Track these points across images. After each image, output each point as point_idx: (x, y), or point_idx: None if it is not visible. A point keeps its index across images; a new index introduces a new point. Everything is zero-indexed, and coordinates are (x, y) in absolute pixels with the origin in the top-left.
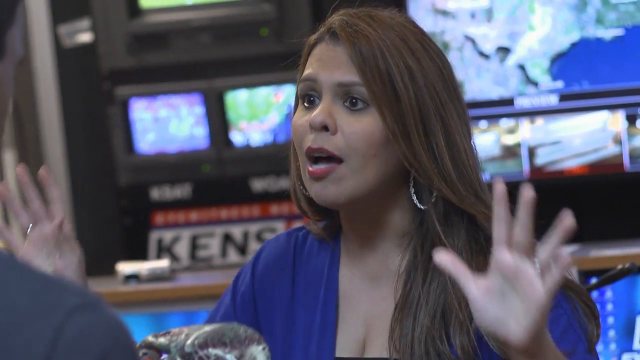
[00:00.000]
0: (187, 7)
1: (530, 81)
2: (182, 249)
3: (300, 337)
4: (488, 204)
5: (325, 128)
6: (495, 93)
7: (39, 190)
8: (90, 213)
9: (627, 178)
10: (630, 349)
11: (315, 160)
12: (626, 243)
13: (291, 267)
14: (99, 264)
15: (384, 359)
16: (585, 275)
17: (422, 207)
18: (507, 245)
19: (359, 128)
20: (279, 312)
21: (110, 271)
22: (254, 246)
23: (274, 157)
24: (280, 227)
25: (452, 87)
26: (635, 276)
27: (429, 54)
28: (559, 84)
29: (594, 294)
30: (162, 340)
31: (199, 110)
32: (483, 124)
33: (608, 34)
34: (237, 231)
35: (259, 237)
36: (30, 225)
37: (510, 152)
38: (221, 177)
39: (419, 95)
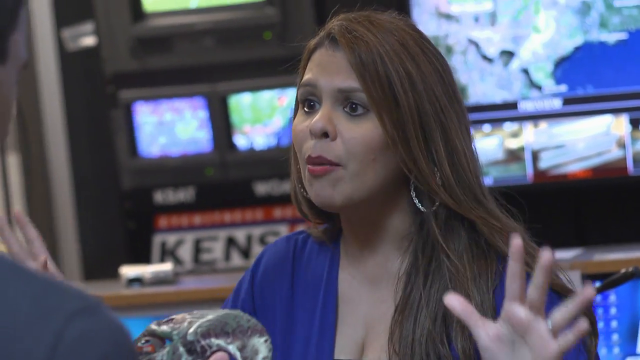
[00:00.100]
0: (190, 10)
1: (534, 85)
2: (185, 252)
3: (300, 339)
4: (488, 208)
5: (325, 134)
6: (498, 97)
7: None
8: (93, 216)
9: (631, 182)
10: (633, 353)
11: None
12: (629, 247)
13: (290, 271)
14: (102, 267)
15: None
16: (589, 279)
17: (423, 210)
18: (519, 300)
19: (359, 133)
20: (279, 315)
21: (114, 274)
22: (257, 250)
23: (277, 161)
24: (284, 230)
25: (452, 90)
26: (639, 280)
27: (428, 58)
28: (563, 88)
29: (597, 298)
30: (164, 328)
31: (203, 113)
32: (487, 127)
33: (612, 37)
34: (240, 235)
35: (262, 240)
36: None
37: (514, 155)
38: (225, 181)
39: (418, 100)
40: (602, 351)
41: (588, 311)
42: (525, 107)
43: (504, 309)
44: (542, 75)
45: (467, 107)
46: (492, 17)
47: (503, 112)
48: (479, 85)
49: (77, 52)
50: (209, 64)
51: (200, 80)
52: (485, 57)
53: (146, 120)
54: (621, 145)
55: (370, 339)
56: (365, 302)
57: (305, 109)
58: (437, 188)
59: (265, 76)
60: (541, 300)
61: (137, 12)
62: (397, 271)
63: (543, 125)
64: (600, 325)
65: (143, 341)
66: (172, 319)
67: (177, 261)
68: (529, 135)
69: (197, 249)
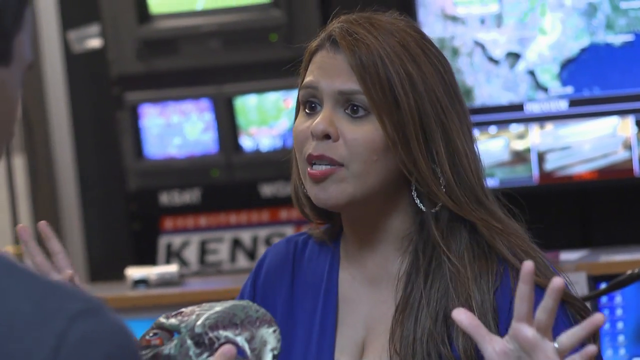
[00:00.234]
0: (196, 12)
1: (540, 87)
2: (191, 254)
3: (300, 340)
4: (490, 209)
5: (327, 136)
6: (505, 98)
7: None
8: (99, 218)
9: (637, 183)
10: (639, 354)
11: (315, 165)
12: (636, 248)
13: (290, 273)
14: (108, 268)
15: None
16: (595, 280)
17: (424, 210)
18: (527, 321)
19: (360, 135)
20: (279, 316)
21: (119, 276)
22: (263, 251)
23: (283, 162)
24: (290, 232)
25: (453, 91)
26: None
27: (429, 59)
28: (569, 90)
29: (603, 299)
30: (172, 321)
31: (209, 115)
32: (493, 129)
33: (618, 39)
34: (246, 236)
35: (268, 242)
36: None
37: (520, 157)
38: (230, 182)
39: (419, 102)
40: (608, 352)
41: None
42: (532, 108)
43: (512, 327)
44: (548, 76)
45: (473, 109)
46: (498, 19)
47: (509, 114)
48: (485, 87)
49: (83, 54)
50: (214, 66)
51: (206, 82)
52: (491, 59)
53: (152, 122)
54: (627, 146)
55: (371, 340)
56: (366, 302)
57: (306, 110)
58: (438, 190)
59: (271, 78)
60: (549, 323)
61: (143, 14)
62: (397, 271)
63: (549, 126)
64: (607, 326)
65: (151, 334)
66: (181, 312)
67: (183, 263)
68: (535, 137)
69: (203, 251)
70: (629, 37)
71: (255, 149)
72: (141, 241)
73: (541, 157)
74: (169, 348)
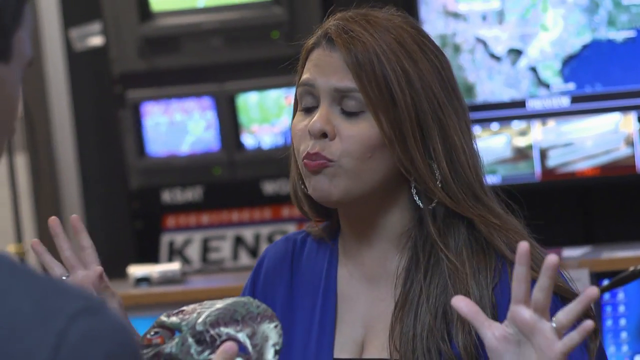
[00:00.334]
0: (198, 10)
1: (542, 83)
2: (193, 251)
3: (299, 338)
4: (488, 205)
5: (324, 135)
6: (506, 95)
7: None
8: (101, 216)
9: (639, 179)
10: None
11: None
12: (638, 245)
13: (289, 271)
14: (110, 266)
15: (383, 359)
16: (597, 277)
17: (422, 207)
18: (525, 303)
19: (356, 132)
20: (279, 314)
21: (122, 274)
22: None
23: (285, 160)
24: (292, 229)
25: (450, 87)
26: None
27: (426, 55)
28: (571, 86)
29: (606, 296)
30: (173, 319)
31: (210, 113)
32: (495, 126)
33: (620, 35)
34: (248, 234)
35: (270, 239)
36: (66, 275)
37: (522, 154)
38: (232, 180)
39: (416, 99)
40: (611, 349)
41: (590, 314)
42: (534, 105)
43: (510, 310)
44: (550, 73)
45: (474, 106)
46: (500, 16)
47: (511, 111)
48: (487, 84)
49: (84, 52)
50: (216, 64)
51: (208, 79)
52: (493, 56)
53: (154, 120)
54: (629, 143)
55: (370, 337)
56: (364, 300)
57: (303, 108)
58: (434, 187)
59: (273, 75)
60: (546, 302)
61: (145, 12)
62: (395, 269)
63: (551, 123)
64: (609, 323)
65: (152, 333)
66: (182, 311)
67: (185, 260)
68: (537, 134)
69: (205, 248)
70: (631, 34)
71: (257, 147)
72: (143, 239)
73: (543, 154)
74: (171, 346)
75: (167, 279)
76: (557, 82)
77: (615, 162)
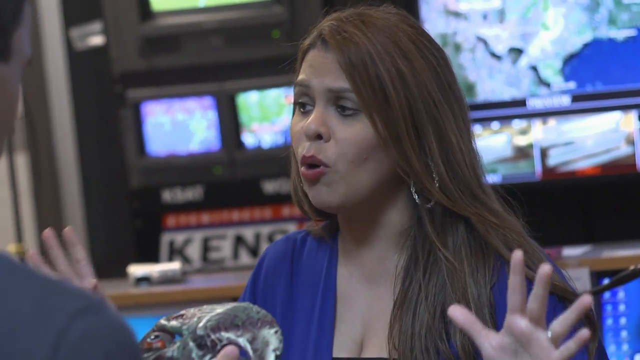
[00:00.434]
0: (198, 9)
1: (543, 82)
2: (193, 251)
3: (298, 337)
4: (486, 203)
5: (319, 136)
6: (507, 94)
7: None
8: (102, 215)
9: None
10: None
11: (309, 166)
12: (639, 243)
13: (289, 271)
14: (110, 266)
15: (382, 359)
16: (597, 276)
17: (421, 206)
18: (520, 312)
19: (350, 134)
20: (279, 314)
21: (122, 273)
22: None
23: (285, 159)
24: (292, 228)
25: (447, 84)
26: None
27: (422, 53)
28: (571, 85)
29: (606, 295)
30: (174, 323)
31: (211, 112)
32: (495, 125)
33: (620, 34)
34: (248, 233)
35: (270, 238)
36: None
37: (523, 153)
38: (233, 179)
39: (410, 99)
40: (611, 348)
41: (590, 314)
42: (534, 104)
43: (506, 319)
44: (551, 72)
45: (475, 105)
46: (501, 15)
47: (512, 110)
48: (488, 83)
49: (85, 52)
50: (216, 63)
51: (208, 79)
52: (493, 55)
53: (154, 119)
54: (630, 141)
55: (369, 336)
56: (364, 299)
57: (300, 109)
58: (431, 186)
59: (273, 74)
60: (540, 312)
61: (145, 12)
62: (394, 268)
63: (552, 122)
64: (609, 322)
65: (152, 337)
66: (182, 315)
67: (186, 260)
68: (538, 133)
69: (206, 248)
70: (631, 32)
71: (257, 146)
72: (144, 239)
73: (544, 153)
74: (172, 350)
75: (167, 279)
76: (557, 81)
77: (616, 161)
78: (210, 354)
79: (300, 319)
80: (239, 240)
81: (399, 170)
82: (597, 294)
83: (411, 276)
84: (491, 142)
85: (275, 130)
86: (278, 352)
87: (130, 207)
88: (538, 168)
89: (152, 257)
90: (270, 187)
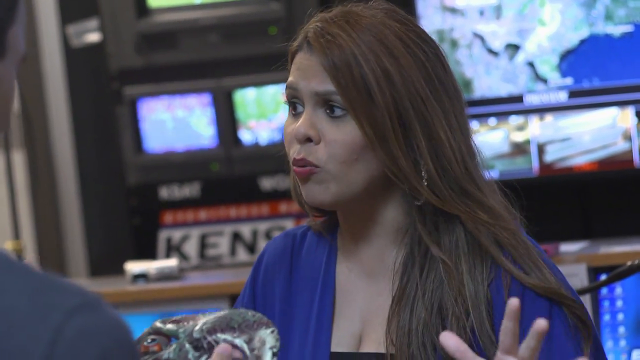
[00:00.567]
0: (195, 6)
1: (540, 78)
2: (191, 248)
3: (297, 332)
4: (479, 200)
5: (308, 139)
6: (504, 90)
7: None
8: (99, 213)
9: (637, 174)
10: None
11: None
12: (636, 239)
13: (288, 266)
14: (107, 263)
15: (380, 354)
16: (595, 271)
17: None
18: (511, 354)
19: (340, 136)
20: (277, 308)
21: (119, 270)
22: (263, 245)
23: (282, 156)
24: (290, 225)
25: (437, 79)
26: None
27: (409, 49)
28: (568, 81)
29: (604, 291)
30: (170, 326)
31: (208, 109)
32: (492, 121)
33: (617, 30)
34: (246, 230)
35: (268, 235)
36: None
37: (520, 149)
38: (230, 176)
39: (397, 97)
40: (609, 344)
41: (584, 317)
42: (531, 100)
43: (496, 357)
44: (548, 68)
45: (472, 101)
46: (498, 11)
47: (509, 106)
48: (485, 79)
49: (82, 49)
50: (213, 60)
51: (205, 75)
52: (490, 51)
53: (151, 116)
54: (627, 137)
55: (367, 332)
56: (362, 295)
57: (292, 110)
58: (419, 186)
59: (270, 71)
60: (532, 358)
61: (142, 8)
62: (393, 263)
63: (549, 118)
64: (607, 317)
65: (149, 340)
66: (178, 319)
67: (183, 257)
68: (535, 129)
69: (203, 245)
70: (628, 28)
71: (254, 143)
72: (141, 236)
73: (541, 149)
74: (168, 352)
75: (164, 275)
76: (554, 77)
77: (613, 156)
78: (207, 355)
79: (299, 314)
80: (237, 237)
81: (386, 171)
82: (594, 290)
83: (409, 273)
84: (488, 139)
85: (272, 127)
86: (275, 350)
87: (128, 204)
88: (535, 164)
89: (150, 254)
90: (267, 183)
